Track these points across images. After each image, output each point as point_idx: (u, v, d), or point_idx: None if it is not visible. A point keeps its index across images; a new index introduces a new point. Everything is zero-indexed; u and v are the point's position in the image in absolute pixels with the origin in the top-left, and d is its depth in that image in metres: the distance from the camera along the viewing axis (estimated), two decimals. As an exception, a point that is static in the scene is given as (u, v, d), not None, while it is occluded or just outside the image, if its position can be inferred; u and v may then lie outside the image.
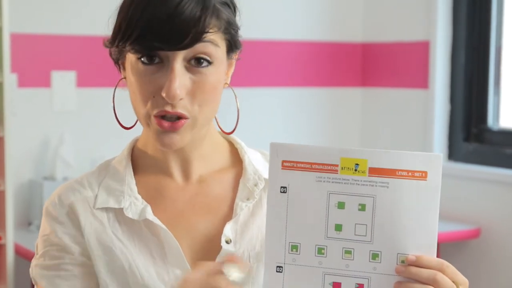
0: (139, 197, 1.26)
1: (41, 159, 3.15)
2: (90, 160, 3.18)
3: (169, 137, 1.18)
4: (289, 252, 1.12)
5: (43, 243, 1.26)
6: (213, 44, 1.18)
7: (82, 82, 3.21)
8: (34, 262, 1.28)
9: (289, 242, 1.12)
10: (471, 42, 3.45)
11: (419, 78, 3.56)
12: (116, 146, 3.37)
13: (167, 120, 1.18)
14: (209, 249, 1.25)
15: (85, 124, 3.23)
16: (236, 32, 1.23)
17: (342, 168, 1.10)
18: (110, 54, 1.26)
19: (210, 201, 1.28)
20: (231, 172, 1.31)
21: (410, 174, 1.09)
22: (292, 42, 3.67)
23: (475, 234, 3.35)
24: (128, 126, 1.29)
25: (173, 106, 1.16)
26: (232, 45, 1.23)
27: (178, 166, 1.28)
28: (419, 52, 3.56)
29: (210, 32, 1.17)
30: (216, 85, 1.20)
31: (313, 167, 1.11)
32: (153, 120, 1.18)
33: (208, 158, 1.29)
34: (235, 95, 1.28)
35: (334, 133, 3.79)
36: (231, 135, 1.34)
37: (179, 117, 1.18)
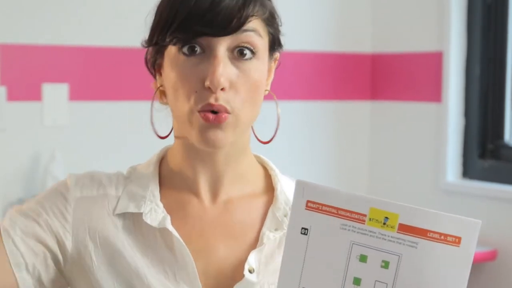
0: (160, 204, 1.23)
1: (31, 176, 3.07)
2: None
3: (213, 132, 1.16)
4: None
5: (36, 201, 1.25)
6: (257, 34, 1.18)
7: (75, 95, 3.14)
8: (14, 207, 1.26)
9: (303, 287, 1.07)
10: (486, 53, 3.39)
11: (432, 91, 3.50)
12: (111, 163, 3.25)
13: (211, 113, 1.16)
14: (227, 276, 1.22)
15: (78, 140, 3.15)
16: (279, 27, 1.24)
17: (370, 219, 1.05)
18: (145, 59, 1.26)
19: (233, 226, 1.25)
20: (261, 199, 1.28)
21: (442, 237, 1.03)
22: (296, 53, 3.61)
23: (491, 256, 3.27)
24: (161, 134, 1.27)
25: (216, 98, 1.15)
26: (275, 41, 1.24)
27: (208, 184, 1.25)
28: (432, 63, 3.50)
29: (255, 16, 1.17)
30: (259, 84, 1.20)
31: (339, 212, 1.06)
32: (197, 116, 1.16)
33: (241, 179, 1.27)
34: (276, 103, 1.28)
35: (341, 149, 3.74)
36: (266, 160, 1.32)
37: (223, 112, 1.16)
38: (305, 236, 1.07)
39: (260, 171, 1.31)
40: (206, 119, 1.15)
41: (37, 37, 3.06)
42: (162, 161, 1.29)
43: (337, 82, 3.71)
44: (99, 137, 3.14)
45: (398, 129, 3.68)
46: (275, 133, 1.27)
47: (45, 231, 1.22)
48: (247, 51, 1.17)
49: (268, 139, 1.28)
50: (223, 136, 1.17)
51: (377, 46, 3.74)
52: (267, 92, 1.26)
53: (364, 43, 3.75)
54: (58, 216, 1.23)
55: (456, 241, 1.03)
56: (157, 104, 1.26)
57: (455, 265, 1.03)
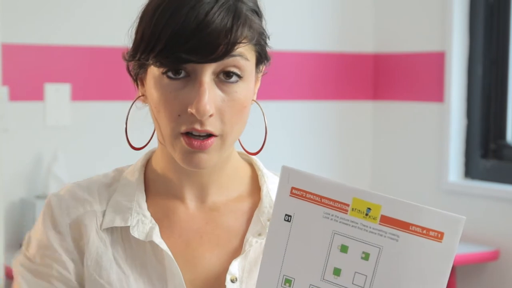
0: (148, 214, 1.21)
1: (33, 177, 3.07)
2: (85, 178, 3.05)
3: (197, 156, 1.13)
4: (281, 285, 1.06)
5: (37, 247, 1.21)
6: (244, 58, 1.13)
7: (77, 95, 3.13)
8: (21, 258, 1.23)
9: (284, 275, 1.06)
10: (489, 52, 3.38)
11: (434, 91, 3.49)
12: (113, 163, 3.25)
13: (195, 138, 1.12)
14: (213, 286, 1.20)
15: (80, 140, 3.15)
16: (266, 43, 1.19)
17: (352, 209, 1.03)
18: (128, 69, 1.20)
19: (220, 232, 1.23)
20: (247, 202, 1.26)
21: (424, 231, 1.01)
22: (298, 53, 3.60)
23: (494, 256, 3.26)
24: (134, 139, 1.23)
25: (202, 123, 1.11)
26: (263, 57, 1.19)
27: (193, 191, 1.23)
28: (434, 63, 3.48)
29: (243, 43, 1.12)
30: (245, 104, 1.16)
31: (322, 201, 1.04)
32: (181, 139, 1.13)
33: (227, 185, 1.24)
34: (262, 112, 1.23)
35: (343, 149, 3.73)
36: (253, 157, 1.28)
37: (208, 135, 1.13)
38: (288, 223, 1.05)
39: (246, 171, 1.27)
40: (190, 145, 1.12)
41: (40, 37, 3.05)
42: (147, 164, 1.26)
43: (339, 82, 3.69)
44: (101, 137, 3.13)
45: (400, 129, 3.66)
46: (263, 144, 1.23)
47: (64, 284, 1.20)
48: (233, 74, 1.13)
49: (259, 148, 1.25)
50: (207, 158, 1.14)
51: (379, 46, 3.73)
52: (253, 101, 1.21)
53: (366, 43, 3.73)
54: (66, 256, 1.20)
55: (439, 236, 1.00)
56: (139, 103, 1.23)
57: (436, 261, 1.00)
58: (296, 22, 3.58)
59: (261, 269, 1.07)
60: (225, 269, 1.19)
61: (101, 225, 1.21)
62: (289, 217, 1.05)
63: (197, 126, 1.11)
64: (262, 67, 1.22)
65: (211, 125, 1.12)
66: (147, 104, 1.20)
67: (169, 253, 1.17)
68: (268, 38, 1.20)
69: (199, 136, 1.12)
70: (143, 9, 1.15)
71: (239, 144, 1.26)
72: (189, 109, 1.10)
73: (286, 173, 1.06)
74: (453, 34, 3.37)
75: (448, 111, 3.40)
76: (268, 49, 1.20)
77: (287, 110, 3.57)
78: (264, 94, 3.48)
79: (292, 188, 1.05)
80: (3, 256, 2.76)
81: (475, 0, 3.36)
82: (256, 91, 1.23)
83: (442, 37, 3.43)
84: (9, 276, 2.82)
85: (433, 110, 3.50)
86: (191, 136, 1.12)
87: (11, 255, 2.88)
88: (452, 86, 3.39)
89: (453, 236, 1.00)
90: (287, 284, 1.05)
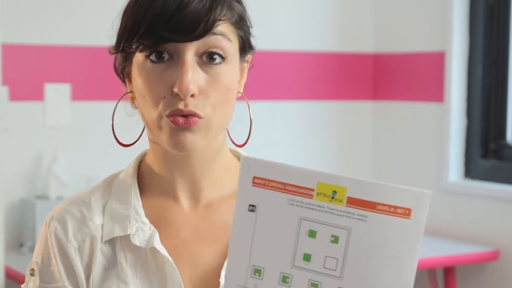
0: (146, 221, 1.21)
1: (33, 177, 3.07)
2: (85, 178, 3.09)
3: (183, 135, 1.14)
4: (251, 276, 1.04)
5: (45, 272, 1.22)
6: (225, 37, 1.15)
7: (77, 95, 3.13)
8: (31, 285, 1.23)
9: (252, 265, 1.04)
10: (489, 52, 3.38)
11: (434, 91, 3.49)
12: (114, 164, 3.25)
13: (180, 117, 1.13)
14: (211, 283, 1.20)
15: (80, 140, 3.15)
16: (249, 29, 1.21)
17: (318, 193, 1.02)
18: (114, 66, 1.23)
19: (215, 229, 1.23)
20: None
21: (392, 209, 1.01)
22: (298, 52, 3.60)
23: (494, 256, 3.25)
24: (126, 143, 1.25)
25: (186, 104, 1.12)
26: (246, 43, 1.20)
27: (186, 188, 1.23)
28: (434, 63, 3.48)
29: (222, 20, 1.14)
30: (230, 87, 1.17)
31: (286, 188, 1.03)
32: (166, 120, 1.14)
33: (219, 180, 1.25)
34: (248, 104, 1.24)
35: (343, 149, 3.74)
36: (244, 153, 1.28)
37: (193, 116, 1.14)
38: (253, 213, 1.04)
39: (237, 166, 1.27)
40: (176, 123, 1.13)
41: (40, 37, 3.05)
42: (140, 167, 1.26)
43: (339, 82, 3.69)
44: (101, 137, 3.11)
45: (400, 129, 3.67)
46: (249, 135, 1.25)
47: None
48: (216, 56, 1.14)
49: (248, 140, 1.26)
50: (194, 139, 1.15)
51: (379, 46, 3.73)
52: (239, 94, 1.23)
53: (366, 43, 3.73)
54: (77, 278, 1.21)
55: (406, 213, 1.01)
56: (129, 108, 1.24)
57: (406, 238, 1.01)
58: (296, 22, 3.58)
59: (228, 262, 1.06)
60: (221, 265, 1.20)
61: (102, 238, 1.21)
62: (253, 207, 1.04)
63: (181, 106, 1.12)
64: (248, 58, 1.23)
65: (195, 106, 1.13)
66: (136, 108, 1.21)
67: (170, 259, 1.18)
68: (251, 26, 1.21)
69: (184, 116, 1.14)
70: (125, 6, 1.19)
71: (229, 141, 1.26)
72: (174, 89, 1.12)
73: (246, 163, 1.04)
74: (453, 34, 3.37)
75: (448, 111, 3.40)
76: (252, 38, 1.21)
77: (287, 110, 3.56)
78: (264, 94, 3.50)
79: (254, 177, 1.04)
80: (3, 256, 2.75)
81: (475, 0, 3.36)
82: (243, 84, 1.24)
83: (442, 37, 3.43)
84: (9, 276, 2.82)
85: (433, 110, 3.50)
86: (176, 116, 1.13)
87: (11, 254, 2.90)
88: (452, 86, 3.39)
89: (420, 212, 1.00)
90: (257, 274, 1.04)
